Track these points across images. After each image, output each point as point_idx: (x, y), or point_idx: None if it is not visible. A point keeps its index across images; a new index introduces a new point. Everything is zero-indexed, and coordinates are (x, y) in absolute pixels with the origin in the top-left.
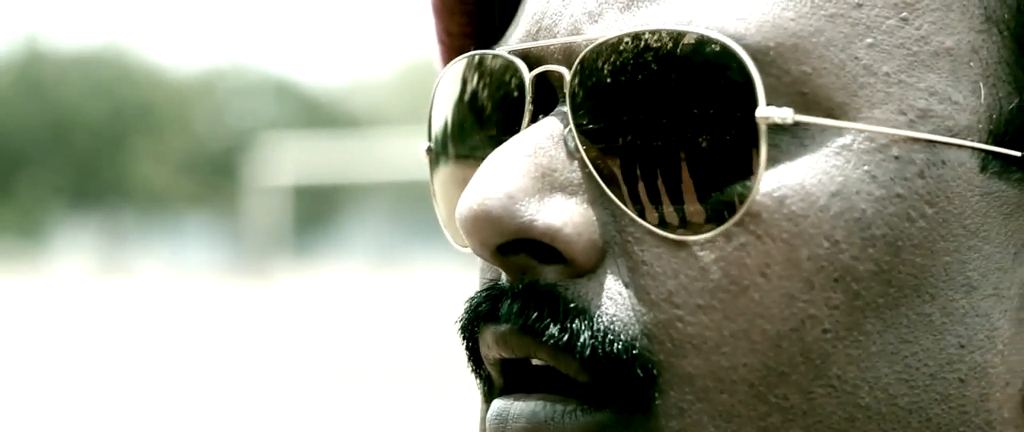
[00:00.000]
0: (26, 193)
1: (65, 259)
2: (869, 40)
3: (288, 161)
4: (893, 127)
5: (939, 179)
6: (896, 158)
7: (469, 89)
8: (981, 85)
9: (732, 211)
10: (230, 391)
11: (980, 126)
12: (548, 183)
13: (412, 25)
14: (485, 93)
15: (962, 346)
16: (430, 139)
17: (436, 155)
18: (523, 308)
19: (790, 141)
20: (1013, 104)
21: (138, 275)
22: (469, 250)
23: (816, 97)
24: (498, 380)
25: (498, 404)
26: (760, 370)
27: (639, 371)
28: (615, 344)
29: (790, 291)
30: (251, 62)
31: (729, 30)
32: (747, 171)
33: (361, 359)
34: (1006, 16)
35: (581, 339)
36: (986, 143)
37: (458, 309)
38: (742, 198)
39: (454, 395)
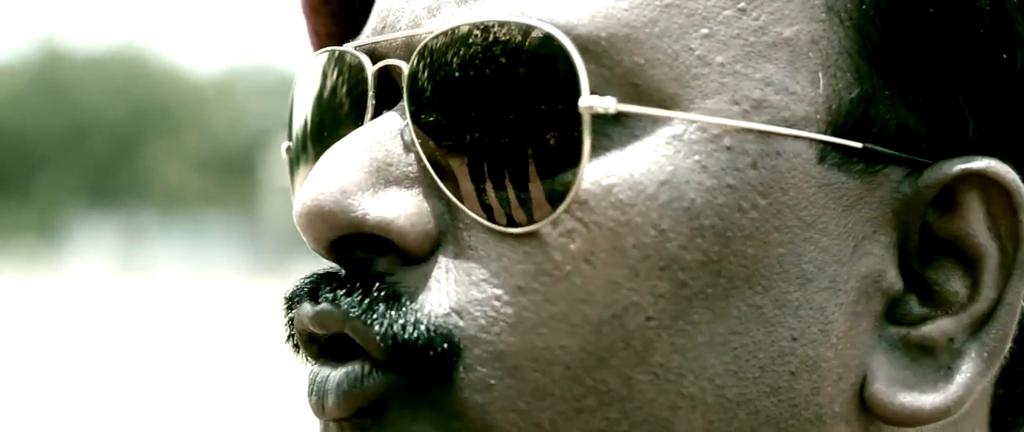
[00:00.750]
0: (45, 193)
1: (84, 259)
2: (704, 30)
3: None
4: (725, 117)
5: (773, 170)
6: (728, 148)
7: (322, 86)
8: (820, 75)
9: (558, 200)
10: (249, 390)
11: (818, 117)
12: (383, 177)
13: None
14: (337, 90)
15: (794, 339)
16: (290, 138)
17: (296, 154)
18: (338, 289)
19: (622, 131)
20: (854, 94)
21: (157, 274)
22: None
23: (648, 88)
24: (313, 350)
25: (310, 371)
26: (578, 353)
27: (442, 345)
28: (416, 329)
29: (614, 278)
30: (269, 62)
31: (560, 21)
32: (573, 161)
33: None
34: (848, 5)
35: (382, 324)
36: (825, 134)
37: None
38: (568, 187)
39: None
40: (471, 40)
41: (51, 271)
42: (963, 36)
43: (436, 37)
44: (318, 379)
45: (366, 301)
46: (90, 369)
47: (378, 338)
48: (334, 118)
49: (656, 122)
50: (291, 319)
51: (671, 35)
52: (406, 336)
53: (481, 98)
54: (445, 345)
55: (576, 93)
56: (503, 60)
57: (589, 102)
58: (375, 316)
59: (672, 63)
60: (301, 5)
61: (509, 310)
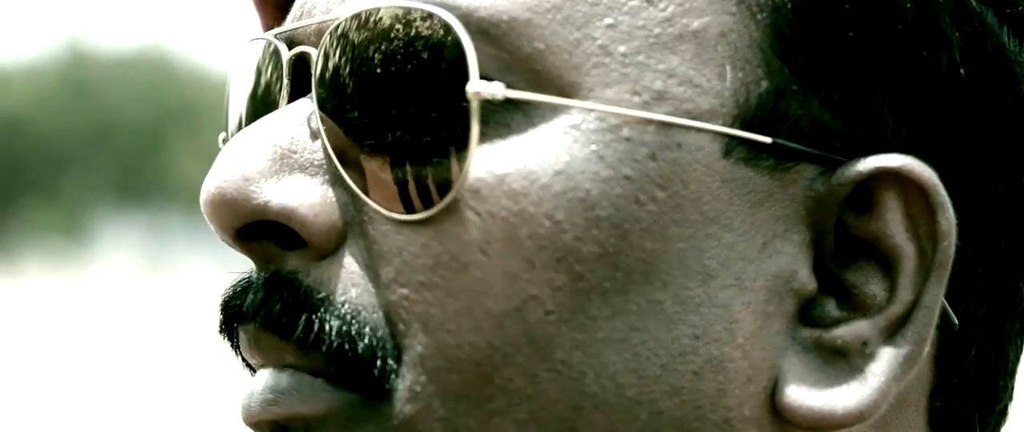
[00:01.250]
0: (71, 193)
1: (110, 258)
2: (608, 20)
3: None
4: (625, 107)
5: (673, 162)
6: (626, 139)
7: (248, 75)
8: (728, 68)
9: (447, 189)
10: None
11: (725, 110)
12: (287, 164)
13: None
14: (260, 79)
15: (697, 337)
16: (226, 129)
17: (223, 145)
18: (265, 299)
19: (520, 119)
20: (763, 89)
21: (182, 274)
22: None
23: (548, 75)
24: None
25: (246, 382)
26: (485, 349)
27: (380, 355)
28: (362, 339)
29: (511, 269)
30: None
31: (460, 6)
32: (461, 148)
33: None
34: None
35: (326, 330)
36: (731, 128)
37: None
38: (457, 176)
39: None
40: (372, 26)
41: (78, 270)
42: (882, 33)
43: (340, 23)
44: (249, 387)
45: (301, 319)
46: (116, 368)
47: (324, 360)
48: (258, 107)
49: (554, 110)
50: (230, 326)
51: (574, 22)
52: (352, 347)
53: (380, 85)
54: (381, 353)
55: (465, 78)
56: (400, 46)
57: (476, 87)
58: (322, 338)
59: (573, 51)
60: (252, 1)
61: (418, 308)
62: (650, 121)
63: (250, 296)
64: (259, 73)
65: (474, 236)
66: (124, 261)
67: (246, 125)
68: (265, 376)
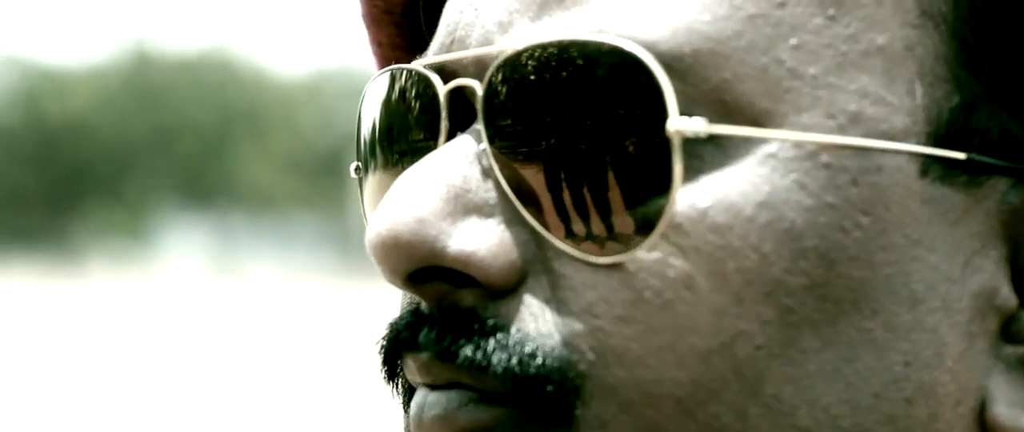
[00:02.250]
0: (135, 195)
1: (175, 260)
2: (793, 41)
3: None
4: (821, 132)
5: (874, 186)
6: (826, 166)
7: (390, 105)
8: (917, 84)
9: (650, 227)
10: (340, 391)
11: (917, 128)
12: (461, 205)
13: None
14: (406, 110)
15: (908, 364)
16: (359, 158)
17: (364, 174)
18: (440, 334)
19: (713, 151)
20: (953, 103)
21: (247, 275)
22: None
23: (738, 104)
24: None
25: (417, 396)
26: (688, 386)
27: (560, 382)
28: (534, 360)
29: (718, 305)
30: (358, 65)
31: (641, 37)
32: (664, 185)
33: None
34: (943, 9)
35: (496, 357)
36: (925, 146)
37: (379, 333)
38: (660, 213)
39: None
40: (548, 60)
41: (142, 272)
42: None
43: (510, 57)
44: (421, 402)
45: (477, 351)
46: (180, 369)
47: (498, 382)
48: (404, 140)
49: (748, 140)
50: (391, 361)
51: (759, 48)
52: (523, 371)
53: (560, 120)
54: (562, 380)
55: (663, 115)
56: (583, 82)
57: (677, 125)
58: (491, 362)
59: (762, 77)
60: (363, 15)
61: (615, 341)
62: (848, 146)
63: (424, 330)
64: (403, 104)
65: (678, 272)
66: (188, 262)
67: (382, 155)
68: (435, 396)
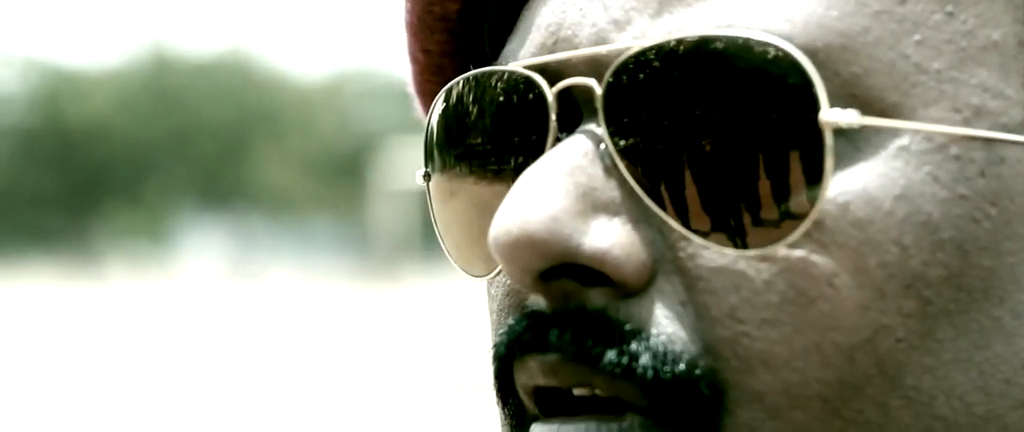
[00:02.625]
0: (155, 197)
1: (194, 262)
2: (917, 36)
3: (415, 164)
4: (949, 125)
5: (999, 178)
6: (956, 158)
7: (472, 106)
8: None
9: (795, 221)
10: (358, 394)
11: None
12: (589, 203)
13: None
14: (492, 110)
15: None
16: (428, 163)
17: (439, 179)
18: (575, 335)
19: (846, 144)
20: None
21: (267, 278)
22: (483, 276)
23: (868, 98)
24: (532, 408)
25: (542, 430)
26: (834, 384)
27: (705, 390)
28: (677, 364)
29: (861, 301)
30: (376, 66)
31: (775, 31)
32: (811, 178)
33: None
34: None
35: (641, 362)
36: None
37: (493, 337)
38: (808, 207)
39: None
40: (679, 55)
41: (161, 274)
42: None
43: (635, 54)
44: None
45: (622, 355)
46: (199, 371)
47: (636, 389)
48: (500, 143)
49: (879, 134)
50: (502, 372)
51: (885, 42)
52: (671, 372)
53: (693, 116)
54: (707, 389)
55: (811, 107)
56: (723, 76)
57: (831, 116)
58: (637, 366)
59: (890, 72)
60: (408, 23)
61: (760, 346)
62: (974, 138)
63: (553, 331)
64: (500, 106)
65: (822, 269)
66: (208, 264)
67: (473, 159)
68: (569, 430)
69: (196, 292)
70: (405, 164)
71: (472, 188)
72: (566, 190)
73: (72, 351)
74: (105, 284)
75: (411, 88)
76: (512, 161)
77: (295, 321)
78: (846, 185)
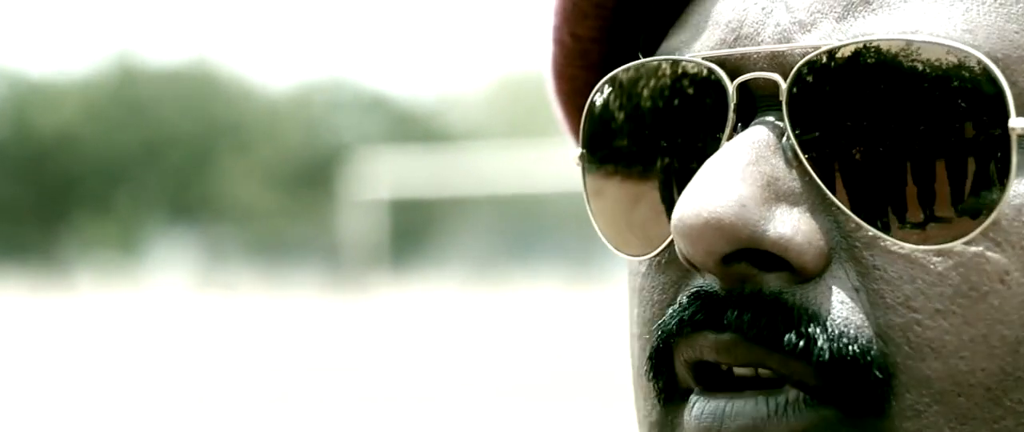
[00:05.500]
0: (123, 208)
1: (163, 273)
2: None
3: (384, 175)
4: None
5: None
6: None
7: (643, 93)
8: None
9: (973, 220)
10: (327, 406)
11: None
12: (773, 192)
13: (506, 40)
14: (666, 98)
15: None
16: (585, 145)
17: (593, 160)
18: (755, 317)
19: (1020, 151)
20: None
21: (236, 290)
22: (641, 256)
23: None
24: (688, 381)
25: (710, 405)
26: (997, 375)
27: (877, 373)
28: (851, 347)
29: None
30: (344, 76)
31: (958, 40)
32: (993, 181)
33: (458, 375)
34: None
35: (819, 343)
36: None
37: (641, 316)
38: (989, 208)
39: (548, 410)
40: (866, 57)
41: (131, 285)
42: None
43: (823, 54)
44: (718, 411)
45: (801, 337)
46: (170, 382)
47: (810, 369)
48: (672, 130)
49: None
50: (661, 349)
51: None
52: (846, 353)
53: (876, 115)
54: (879, 371)
55: (1002, 113)
56: (904, 78)
57: (1019, 124)
58: (815, 347)
59: None
60: (560, 8)
61: (931, 334)
62: None
63: (731, 311)
64: (675, 95)
65: (995, 266)
66: (177, 275)
67: (621, 143)
68: (739, 405)
69: (165, 303)
70: (374, 174)
71: (634, 169)
72: (752, 178)
73: (41, 362)
74: (74, 295)
75: (548, 69)
76: (679, 144)
77: (264, 332)
78: (1021, 188)
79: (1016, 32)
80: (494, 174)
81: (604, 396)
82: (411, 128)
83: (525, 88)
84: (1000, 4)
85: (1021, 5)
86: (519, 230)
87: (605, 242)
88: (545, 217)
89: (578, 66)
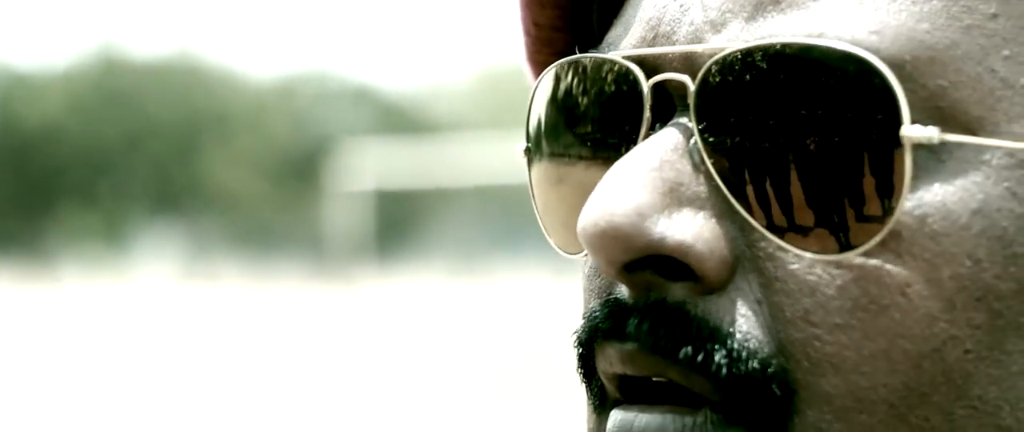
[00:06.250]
0: (108, 199)
1: (148, 265)
2: (1006, 52)
3: (369, 166)
4: None
5: None
6: None
7: (573, 90)
8: None
9: (873, 230)
10: (312, 397)
11: None
12: (676, 198)
13: (490, 31)
14: (591, 96)
15: None
16: (528, 139)
17: (534, 155)
18: (653, 327)
19: (928, 157)
20: None
21: (221, 281)
22: (576, 255)
23: (953, 111)
24: (613, 392)
25: (621, 416)
26: (900, 391)
27: (776, 390)
28: (751, 362)
29: (931, 311)
30: (330, 68)
31: (863, 42)
32: (890, 189)
33: (443, 366)
34: None
35: (716, 358)
36: None
37: (574, 321)
38: (885, 217)
39: (533, 403)
40: (769, 60)
41: (116, 276)
42: None
43: (728, 56)
44: (627, 423)
45: (698, 351)
46: (154, 374)
47: (710, 383)
48: (596, 129)
49: (962, 148)
50: (585, 355)
51: (973, 57)
52: (744, 370)
53: (779, 120)
54: (778, 388)
55: (894, 120)
56: (810, 83)
57: (911, 132)
58: (711, 362)
59: (975, 86)
60: None
61: (830, 349)
62: None
63: (632, 320)
64: (595, 92)
65: (895, 278)
66: (162, 267)
67: (551, 136)
68: (645, 418)
69: (150, 294)
70: (359, 165)
71: (566, 166)
72: (653, 184)
73: (25, 354)
74: (58, 286)
75: (524, 60)
76: (602, 143)
77: (249, 323)
78: (925, 197)
79: (927, 32)
80: (479, 165)
81: None
82: (396, 119)
83: (510, 79)
84: (912, 2)
85: (933, 3)
86: (505, 221)
87: (548, 239)
88: (531, 208)
89: (547, 54)
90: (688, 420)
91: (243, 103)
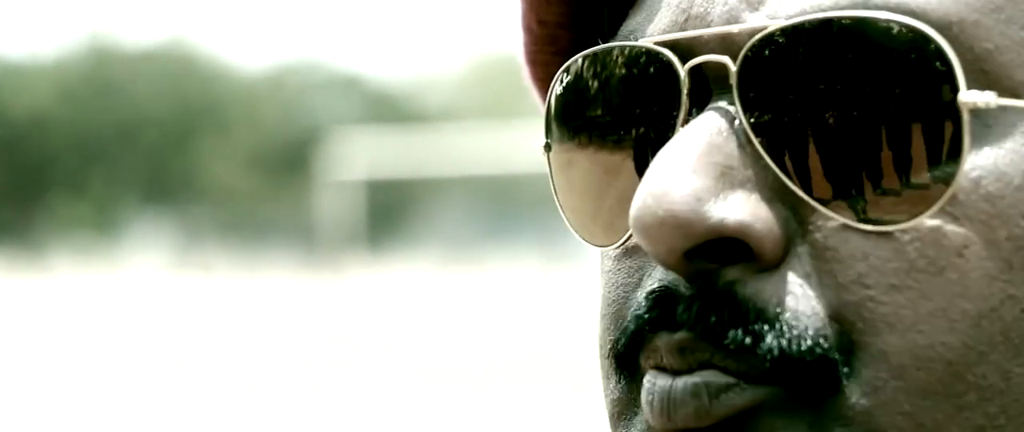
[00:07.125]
0: (99, 189)
1: (139, 254)
2: None
3: (360, 156)
4: None
5: None
6: None
7: (601, 81)
8: None
9: (930, 196)
10: (303, 387)
11: None
12: (728, 181)
13: (481, 21)
14: (621, 85)
15: None
16: (549, 134)
17: (559, 151)
18: (702, 311)
19: (977, 123)
20: None
21: (212, 270)
22: (607, 248)
23: (997, 75)
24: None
25: (657, 381)
26: (959, 349)
27: (828, 357)
28: (804, 339)
29: (989, 271)
30: (321, 58)
31: (910, 7)
32: (947, 155)
33: (434, 356)
34: None
35: (767, 339)
36: None
37: (609, 307)
38: (944, 182)
39: (523, 392)
40: (814, 34)
41: (107, 266)
42: None
43: (771, 33)
44: (663, 387)
45: (747, 334)
46: (145, 365)
47: (763, 364)
48: (628, 119)
49: (1008, 111)
50: (626, 351)
51: (1017, 21)
52: (793, 351)
53: (828, 93)
54: (830, 353)
55: (952, 87)
56: (854, 54)
57: (969, 97)
58: (762, 344)
59: (1020, 50)
60: None
61: (885, 309)
62: None
63: (681, 307)
64: (627, 78)
65: (952, 241)
66: (153, 257)
67: (581, 129)
68: (684, 377)
69: (141, 284)
70: (350, 155)
71: (593, 159)
72: (706, 169)
73: (16, 343)
74: (49, 276)
75: (522, 58)
76: (634, 132)
77: (240, 312)
78: (978, 161)
79: None
80: (470, 155)
81: (580, 377)
82: (387, 109)
83: (501, 69)
84: None
85: None
86: (495, 211)
87: (573, 233)
88: (521, 198)
89: (549, 53)
90: (730, 379)
91: (234, 93)
